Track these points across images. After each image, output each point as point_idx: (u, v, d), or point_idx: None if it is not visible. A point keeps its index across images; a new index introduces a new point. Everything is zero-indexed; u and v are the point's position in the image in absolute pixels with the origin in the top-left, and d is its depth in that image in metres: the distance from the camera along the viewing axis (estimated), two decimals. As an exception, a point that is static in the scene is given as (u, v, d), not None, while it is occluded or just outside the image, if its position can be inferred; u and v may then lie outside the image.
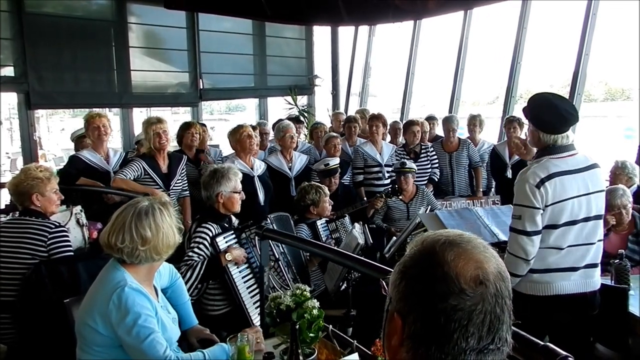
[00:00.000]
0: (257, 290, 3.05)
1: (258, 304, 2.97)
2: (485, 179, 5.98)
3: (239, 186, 3.26)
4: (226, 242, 3.07)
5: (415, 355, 0.89)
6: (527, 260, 2.60)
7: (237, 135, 4.56)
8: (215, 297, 3.13)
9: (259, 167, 4.63)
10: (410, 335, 0.89)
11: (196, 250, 2.99)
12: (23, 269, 2.80)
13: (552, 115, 2.61)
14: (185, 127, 5.14)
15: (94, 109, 4.77)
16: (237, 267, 3.06)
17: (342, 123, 6.50)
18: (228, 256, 2.98)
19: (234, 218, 3.36)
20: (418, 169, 5.28)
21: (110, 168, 4.36)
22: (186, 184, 4.45)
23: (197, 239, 3.02)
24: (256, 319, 2.93)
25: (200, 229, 3.06)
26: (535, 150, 2.83)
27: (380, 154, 5.52)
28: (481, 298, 0.87)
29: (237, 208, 3.25)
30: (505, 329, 0.89)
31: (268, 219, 3.69)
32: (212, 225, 3.08)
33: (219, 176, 3.18)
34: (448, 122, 5.85)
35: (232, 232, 3.14)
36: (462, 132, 6.25)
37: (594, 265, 2.70)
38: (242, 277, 3.08)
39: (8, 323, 2.84)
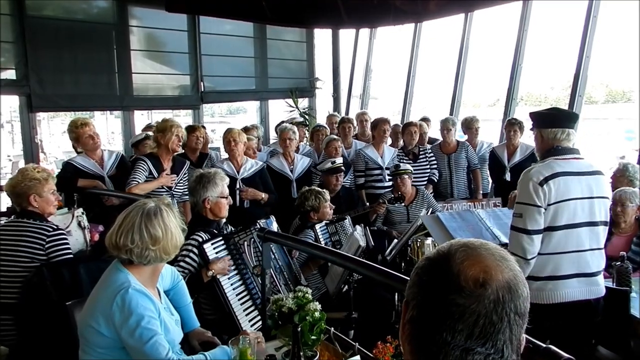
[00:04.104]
0: (247, 297, 3.01)
1: (248, 310, 2.96)
2: (488, 181, 5.99)
3: (226, 191, 3.21)
4: (214, 248, 3.00)
5: (411, 342, 0.94)
6: (526, 259, 2.58)
7: (223, 139, 4.70)
8: (208, 303, 3.08)
9: (246, 170, 4.62)
10: (409, 320, 0.95)
11: (182, 264, 2.92)
12: (23, 271, 2.81)
13: (550, 110, 2.83)
14: (190, 130, 5.15)
15: (77, 117, 4.74)
16: (227, 275, 3.00)
17: (335, 125, 6.50)
18: (210, 273, 2.88)
19: (223, 222, 3.33)
20: (417, 170, 5.29)
21: (104, 173, 4.36)
22: (187, 189, 4.45)
23: (184, 252, 2.94)
24: (246, 326, 2.86)
25: (188, 240, 2.96)
26: None
27: (381, 157, 5.52)
28: (477, 300, 0.88)
29: (225, 213, 3.21)
30: (503, 340, 0.89)
31: (257, 225, 3.65)
32: (200, 235, 3.03)
33: (205, 181, 3.14)
34: (442, 123, 5.87)
35: (221, 238, 3.08)
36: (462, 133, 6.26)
37: (597, 273, 2.69)
38: (232, 285, 3.01)
39: (9, 325, 2.85)
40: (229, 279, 3.01)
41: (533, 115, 2.88)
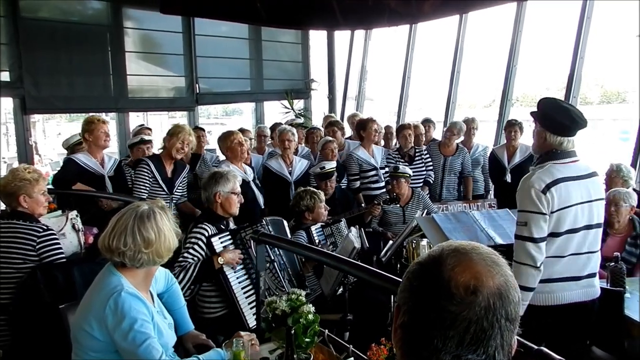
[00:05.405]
0: (252, 292, 3.07)
1: (253, 304, 3.01)
2: (483, 182, 6.00)
3: (238, 188, 3.29)
4: (221, 242, 3.09)
5: (402, 347, 0.94)
6: (535, 267, 2.54)
7: (227, 143, 4.56)
8: (211, 299, 3.15)
9: (250, 173, 4.66)
10: (400, 325, 0.94)
11: (191, 251, 3.02)
12: (16, 272, 2.80)
13: (564, 116, 2.62)
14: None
15: (95, 113, 4.79)
16: (232, 268, 3.08)
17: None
18: (220, 260, 2.99)
19: (231, 223, 3.36)
20: (413, 172, 5.26)
21: (105, 172, 4.38)
22: (185, 192, 4.46)
23: (192, 240, 3.05)
24: (251, 320, 2.95)
25: (196, 229, 3.09)
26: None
27: (373, 157, 5.51)
28: (468, 307, 0.88)
29: (235, 210, 3.28)
30: (494, 346, 0.89)
31: (264, 221, 3.69)
32: (208, 226, 3.12)
33: (218, 177, 3.25)
34: (450, 125, 5.90)
35: (228, 233, 3.16)
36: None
37: (593, 274, 2.70)
38: (237, 278, 3.09)
39: (3, 326, 2.84)
40: (234, 272, 3.09)
41: (542, 112, 2.68)
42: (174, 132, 4.23)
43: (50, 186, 4.20)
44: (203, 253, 3.04)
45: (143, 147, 5.09)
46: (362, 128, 5.58)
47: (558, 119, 2.62)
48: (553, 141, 2.64)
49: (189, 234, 3.09)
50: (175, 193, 4.30)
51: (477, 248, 0.96)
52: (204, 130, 6.18)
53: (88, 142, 4.36)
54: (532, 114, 2.74)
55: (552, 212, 2.55)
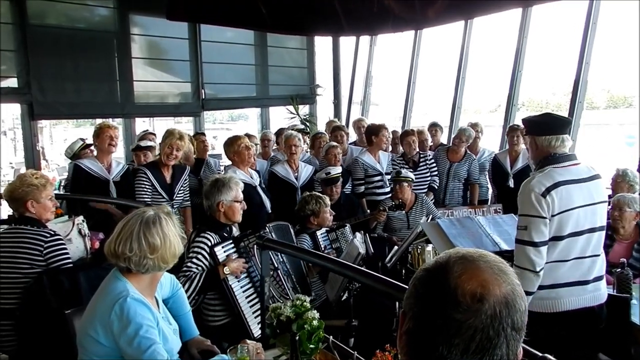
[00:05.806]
0: (256, 300, 3.04)
1: (257, 314, 2.98)
2: (488, 188, 5.98)
3: (240, 195, 3.26)
4: (225, 251, 3.06)
5: (407, 354, 0.94)
6: (535, 272, 2.54)
7: (234, 147, 4.53)
8: (215, 307, 3.13)
9: (257, 178, 4.66)
10: (406, 331, 0.94)
11: (195, 261, 2.98)
12: (23, 277, 2.81)
13: (543, 116, 2.80)
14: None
15: (105, 120, 4.88)
16: (236, 278, 3.06)
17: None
18: (226, 269, 2.96)
19: (234, 228, 3.36)
20: (418, 178, 5.26)
21: (110, 177, 4.41)
22: (188, 194, 4.48)
23: (196, 249, 3.01)
24: (255, 329, 2.93)
25: (199, 238, 3.05)
26: None
27: (379, 162, 5.51)
28: (474, 315, 0.88)
29: (238, 217, 3.26)
30: (500, 354, 0.89)
31: (267, 228, 3.69)
32: (210, 235, 3.08)
33: (220, 185, 3.20)
34: (459, 131, 5.88)
35: (231, 241, 3.14)
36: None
37: (599, 278, 2.68)
38: (241, 287, 3.07)
39: (9, 331, 2.85)
40: (238, 281, 3.06)
41: (525, 122, 2.86)
42: (163, 138, 4.28)
43: (57, 191, 4.24)
44: (207, 263, 3.01)
45: (140, 153, 5.13)
46: (374, 134, 5.51)
47: (538, 120, 2.78)
48: (542, 143, 2.69)
49: (192, 243, 3.06)
50: (176, 199, 4.32)
51: (485, 256, 0.96)
52: (204, 135, 6.21)
53: (97, 147, 4.47)
54: (525, 134, 2.96)
55: (552, 216, 2.55)
